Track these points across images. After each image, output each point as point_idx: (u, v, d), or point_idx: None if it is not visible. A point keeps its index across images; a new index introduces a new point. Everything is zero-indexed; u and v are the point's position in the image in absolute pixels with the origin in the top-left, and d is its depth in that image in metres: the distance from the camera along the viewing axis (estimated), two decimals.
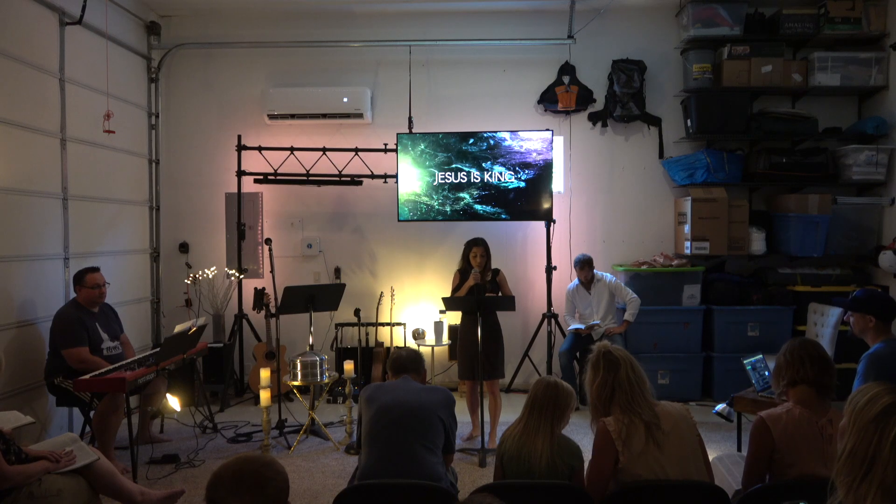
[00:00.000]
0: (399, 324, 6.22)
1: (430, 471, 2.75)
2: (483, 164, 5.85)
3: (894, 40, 5.59)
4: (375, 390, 2.98)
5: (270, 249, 5.28)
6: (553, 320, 5.97)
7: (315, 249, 6.37)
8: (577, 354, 5.52)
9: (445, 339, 6.03)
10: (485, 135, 5.87)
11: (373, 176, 6.05)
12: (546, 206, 5.85)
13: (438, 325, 6.01)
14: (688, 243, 5.80)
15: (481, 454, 4.33)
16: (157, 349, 4.54)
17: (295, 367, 4.71)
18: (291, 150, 5.96)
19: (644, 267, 5.88)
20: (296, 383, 4.75)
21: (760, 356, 3.92)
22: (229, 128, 6.28)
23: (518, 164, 5.84)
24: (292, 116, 6.11)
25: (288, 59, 6.37)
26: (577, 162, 6.29)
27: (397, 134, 5.93)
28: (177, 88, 6.41)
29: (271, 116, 6.12)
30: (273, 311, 5.40)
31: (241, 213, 6.08)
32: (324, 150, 5.99)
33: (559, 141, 6.19)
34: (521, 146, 5.84)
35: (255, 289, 5.67)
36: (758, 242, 5.85)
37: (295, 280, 5.89)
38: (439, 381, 6.17)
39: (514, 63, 6.30)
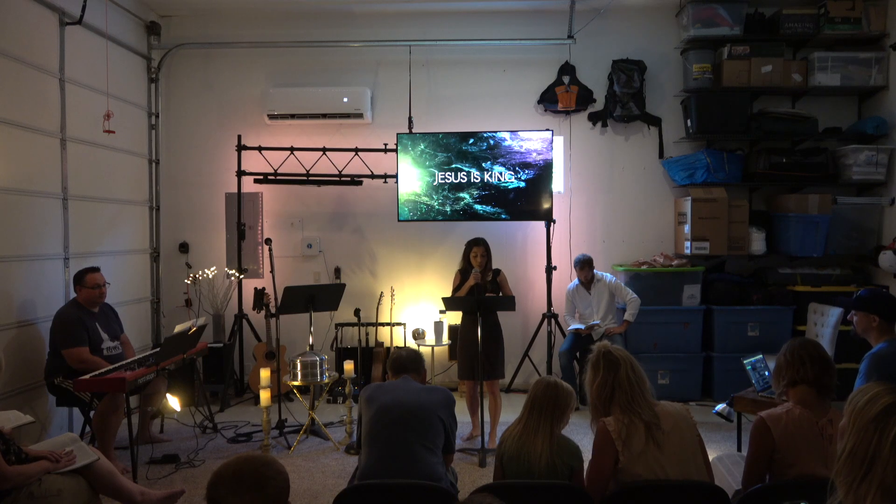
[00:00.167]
0: (399, 324, 6.22)
1: (430, 471, 2.75)
2: (483, 164, 5.85)
3: (894, 40, 5.59)
4: (375, 390, 2.98)
5: (270, 249, 5.28)
6: (553, 320, 5.97)
7: (315, 249, 6.38)
8: (577, 354, 5.52)
9: (445, 339, 6.03)
10: (485, 135, 5.87)
11: (373, 176, 6.05)
12: (546, 206, 5.85)
13: (438, 325, 6.01)
14: (688, 243, 5.80)
15: (481, 454, 4.33)
16: (157, 349, 4.54)
17: (295, 367, 4.71)
18: (291, 150, 5.96)
19: (644, 267, 5.88)
20: (296, 383, 4.75)
21: (760, 356, 3.92)
22: (229, 128, 6.28)
23: (518, 164, 5.84)
24: (292, 116, 6.11)
25: (288, 59, 6.37)
26: (577, 162, 6.29)
27: (397, 134, 5.93)
28: (177, 88, 6.42)
29: (271, 116, 6.12)
30: (273, 311, 5.40)
31: (241, 213, 6.08)
32: (324, 150, 5.99)
33: (559, 141, 6.19)
34: (521, 146, 5.84)
35: (255, 289, 5.67)
36: (758, 242, 5.85)
37: (295, 280, 5.89)
38: (439, 381, 6.17)
39: (514, 63, 6.30)
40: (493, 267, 4.86)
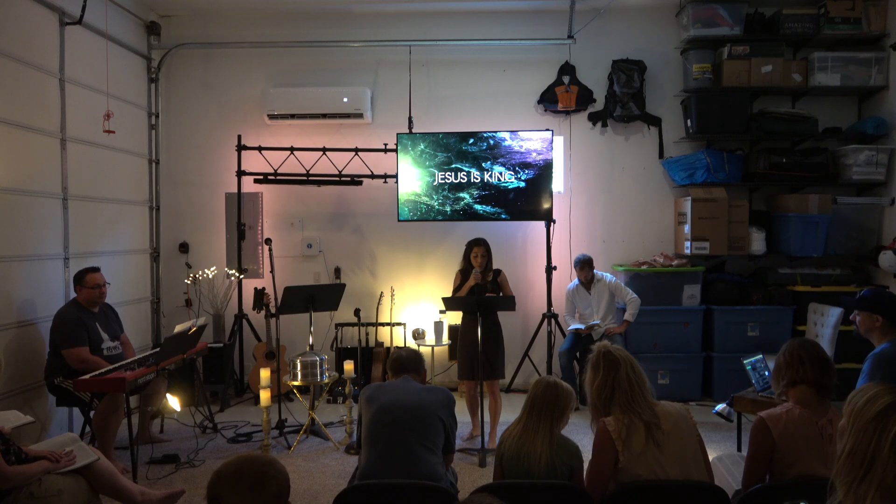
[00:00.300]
0: (399, 324, 6.22)
1: (430, 471, 2.75)
2: (483, 164, 5.85)
3: (894, 40, 5.59)
4: (375, 390, 2.98)
5: (270, 249, 5.28)
6: (553, 320, 5.97)
7: (315, 249, 6.38)
8: (577, 354, 5.52)
9: (445, 339, 6.03)
10: (485, 135, 5.87)
11: (373, 176, 6.05)
12: (546, 206, 5.85)
13: (438, 325, 6.01)
14: (688, 243, 5.80)
15: (481, 454, 4.33)
16: (157, 349, 4.55)
17: (295, 367, 4.71)
18: (291, 150, 5.96)
19: (644, 267, 5.88)
20: (296, 383, 4.75)
21: (760, 356, 3.92)
22: (229, 128, 6.28)
23: (518, 164, 5.84)
24: (292, 116, 6.11)
25: (288, 59, 6.37)
26: (577, 162, 6.29)
27: (397, 134, 5.93)
28: (177, 88, 6.42)
29: (271, 116, 6.12)
30: (273, 311, 5.40)
31: (241, 213, 6.09)
32: (324, 150, 5.99)
33: (559, 141, 6.19)
34: (521, 146, 5.84)
35: (255, 289, 5.67)
36: (758, 242, 5.85)
37: (295, 280, 5.89)
38: (439, 381, 6.17)
39: (514, 63, 6.30)
40: (494, 267, 4.86)
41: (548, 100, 6.20)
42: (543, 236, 6.02)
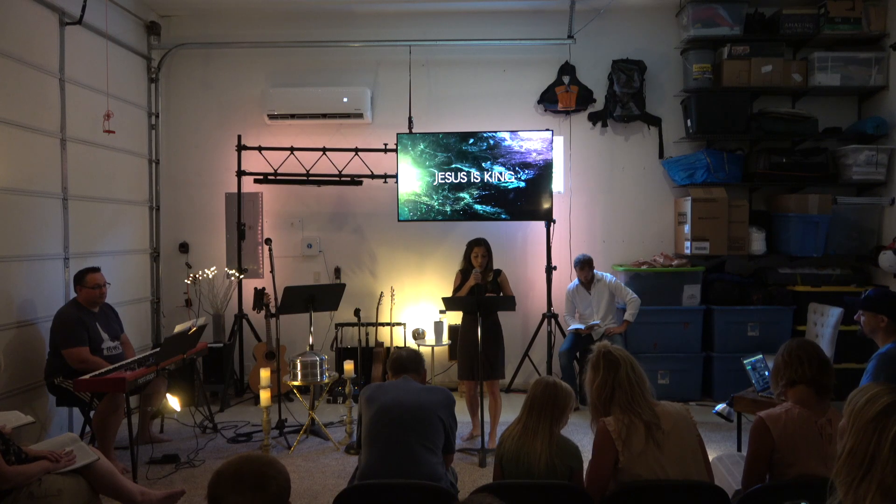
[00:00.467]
0: (399, 324, 6.22)
1: (430, 471, 2.75)
2: (483, 164, 5.85)
3: (894, 40, 5.59)
4: (375, 390, 2.98)
5: (270, 249, 5.28)
6: (553, 320, 5.97)
7: (315, 249, 6.38)
8: (577, 354, 5.52)
9: (445, 339, 6.03)
10: (485, 135, 5.87)
11: (373, 176, 6.05)
12: (546, 206, 5.85)
13: (438, 325, 6.01)
14: (688, 243, 5.80)
15: (481, 454, 4.33)
16: (157, 349, 4.55)
17: (295, 367, 4.71)
18: (291, 150, 5.96)
19: (644, 267, 5.88)
20: (296, 383, 4.75)
21: (760, 356, 3.92)
22: (229, 128, 6.28)
23: (518, 164, 5.84)
24: (292, 116, 6.11)
25: (288, 59, 6.37)
26: (577, 162, 6.29)
27: (397, 134, 5.93)
28: (177, 88, 6.42)
29: (271, 116, 6.12)
30: (273, 311, 5.40)
31: (241, 213, 6.09)
32: (324, 150, 5.99)
33: (559, 141, 6.19)
34: (521, 146, 5.84)
35: (255, 289, 5.67)
36: (758, 242, 5.85)
37: (295, 280, 5.89)
38: (439, 381, 6.17)
39: (514, 63, 6.30)
40: (494, 267, 4.86)
41: (548, 100, 6.20)
42: (543, 236, 6.02)
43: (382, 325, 6.23)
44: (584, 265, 5.61)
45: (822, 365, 2.52)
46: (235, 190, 6.09)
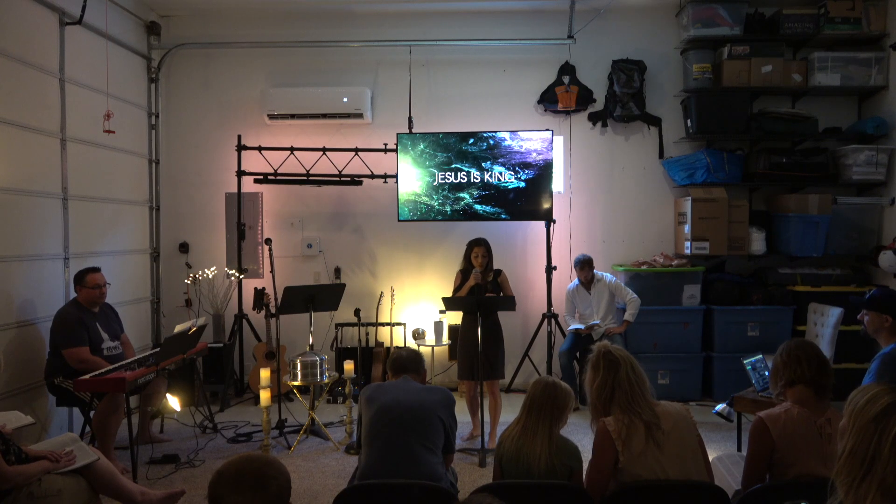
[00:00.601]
0: (399, 324, 6.22)
1: (430, 471, 2.75)
2: (483, 164, 5.85)
3: (894, 40, 5.59)
4: (375, 390, 2.98)
5: (270, 249, 5.28)
6: (553, 320, 5.97)
7: (315, 249, 6.38)
8: (577, 354, 5.53)
9: (445, 339, 6.03)
10: (485, 135, 5.87)
11: (373, 176, 6.05)
12: (546, 206, 5.85)
13: (438, 325, 6.01)
14: (688, 243, 5.80)
15: (481, 454, 4.33)
16: (157, 349, 4.55)
17: (295, 367, 4.71)
18: (291, 150, 5.96)
19: (644, 267, 5.88)
20: (296, 383, 4.75)
21: (760, 356, 3.92)
22: (229, 128, 6.28)
23: (518, 164, 5.84)
24: (292, 116, 6.11)
25: (288, 59, 6.37)
26: (577, 162, 6.29)
27: (397, 134, 5.93)
28: (177, 88, 6.42)
29: (271, 116, 6.12)
30: (273, 311, 5.39)
31: (241, 213, 6.09)
32: (324, 150, 5.99)
33: (559, 141, 6.19)
34: (521, 146, 5.84)
35: (255, 289, 5.67)
36: (758, 242, 5.85)
37: (295, 280, 5.89)
38: (439, 381, 6.17)
39: (514, 63, 6.30)
40: (494, 267, 4.86)
41: (548, 100, 6.20)
42: (543, 236, 6.02)
43: (382, 325, 6.22)
44: (584, 265, 5.61)
45: (821, 365, 2.52)
46: (235, 190, 6.09)
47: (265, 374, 4.51)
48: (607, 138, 6.30)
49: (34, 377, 4.41)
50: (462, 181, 5.88)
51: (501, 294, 4.79)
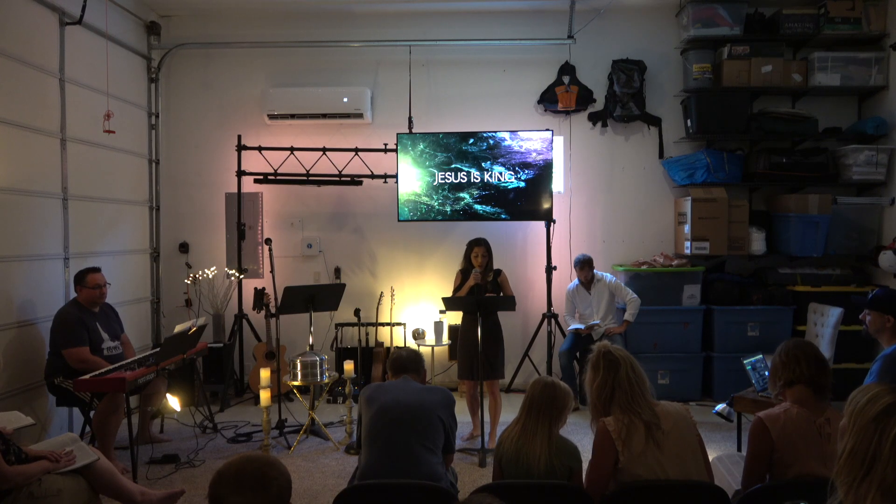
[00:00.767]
0: (399, 324, 6.22)
1: (430, 471, 2.75)
2: (483, 164, 5.85)
3: (894, 40, 5.59)
4: (375, 390, 2.98)
5: (270, 249, 5.28)
6: (553, 320, 5.97)
7: (315, 249, 6.38)
8: (577, 354, 5.53)
9: (445, 339, 6.03)
10: (485, 135, 5.87)
11: (373, 176, 6.05)
12: (546, 206, 5.85)
13: (438, 325, 6.01)
14: (688, 243, 5.80)
15: (481, 454, 4.33)
16: (157, 349, 4.54)
17: (295, 367, 4.71)
18: (291, 150, 5.96)
19: (644, 267, 5.88)
20: (296, 383, 4.75)
21: (760, 356, 3.92)
22: (229, 128, 6.28)
23: (518, 164, 5.84)
24: (292, 116, 6.11)
25: (288, 59, 6.37)
26: (577, 162, 6.29)
27: (397, 134, 5.93)
28: (177, 88, 6.42)
29: (271, 116, 6.12)
30: (273, 311, 5.39)
31: (241, 213, 6.09)
32: (324, 150, 5.99)
33: (559, 141, 6.19)
34: (521, 146, 5.84)
35: (255, 289, 5.67)
36: (758, 242, 5.85)
37: (295, 280, 5.89)
38: (439, 381, 6.17)
39: (514, 63, 6.30)
40: (494, 267, 4.86)
41: (548, 100, 6.20)
42: (543, 236, 6.02)
43: (382, 325, 6.22)
44: (584, 265, 5.61)
45: (820, 365, 2.52)
46: (235, 190, 6.09)
47: (265, 374, 4.51)
48: (607, 138, 6.30)
49: (34, 377, 4.41)
50: (462, 181, 5.88)
51: (501, 294, 4.79)
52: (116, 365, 4.17)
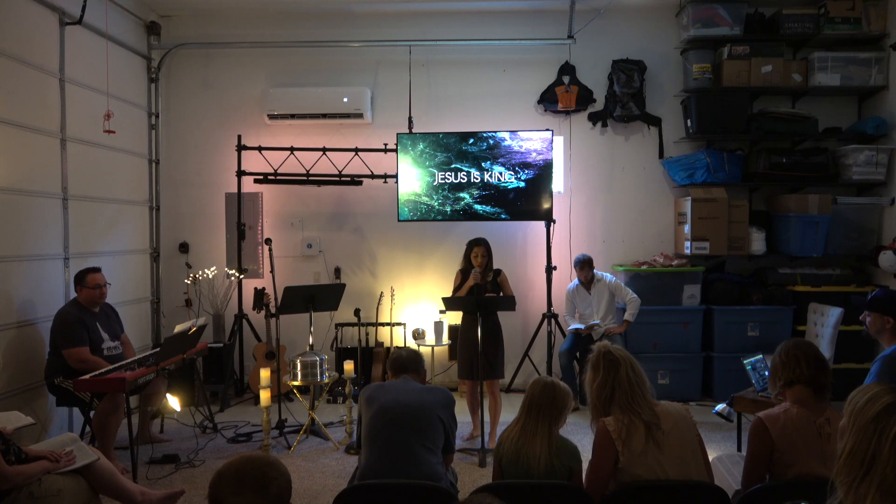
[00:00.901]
0: (399, 324, 6.22)
1: (430, 471, 2.75)
2: (483, 164, 5.85)
3: (894, 40, 5.59)
4: (375, 390, 2.98)
5: (270, 249, 5.28)
6: (553, 320, 5.97)
7: (315, 249, 6.38)
8: (577, 354, 5.53)
9: (445, 339, 6.03)
10: (485, 135, 5.87)
11: (373, 176, 6.05)
12: (546, 206, 5.85)
13: (438, 325, 6.01)
14: (688, 243, 5.80)
15: (481, 454, 4.33)
16: (157, 349, 4.55)
17: (295, 367, 4.71)
18: (291, 150, 5.96)
19: (644, 267, 5.88)
20: (296, 383, 4.75)
21: (760, 356, 3.92)
22: (229, 128, 6.28)
23: (518, 164, 5.84)
24: (292, 116, 6.11)
25: (288, 59, 6.37)
26: (577, 162, 6.29)
27: (397, 134, 5.93)
28: (177, 88, 6.42)
29: (271, 116, 6.12)
30: (273, 311, 5.39)
31: (241, 213, 6.09)
32: (324, 150, 5.99)
33: (559, 141, 6.19)
34: (521, 146, 5.84)
35: (255, 289, 5.67)
36: (758, 242, 5.85)
37: (295, 280, 5.89)
38: (439, 381, 6.17)
39: (514, 63, 6.30)
40: (494, 267, 4.86)
41: (548, 100, 6.20)
42: (543, 236, 6.02)
43: (382, 325, 6.23)
44: (584, 265, 5.61)
45: (820, 364, 2.52)
46: (235, 190, 6.09)
47: (265, 374, 4.51)
48: (607, 138, 6.30)
49: (34, 377, 4.41)
50: (462, 181, 5.88)
51: (501, 294, 4.79)
52: (116, 365, 4.17)
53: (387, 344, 6.23)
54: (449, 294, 4.91)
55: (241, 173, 6.02)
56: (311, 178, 6.00)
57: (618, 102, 6.13)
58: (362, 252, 6.40)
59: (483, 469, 4.21)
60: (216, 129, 6.36)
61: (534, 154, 5.84)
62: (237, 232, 6.02)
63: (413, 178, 5.90)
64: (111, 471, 3.12)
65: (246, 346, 6.14)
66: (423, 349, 5.75)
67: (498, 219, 5.90)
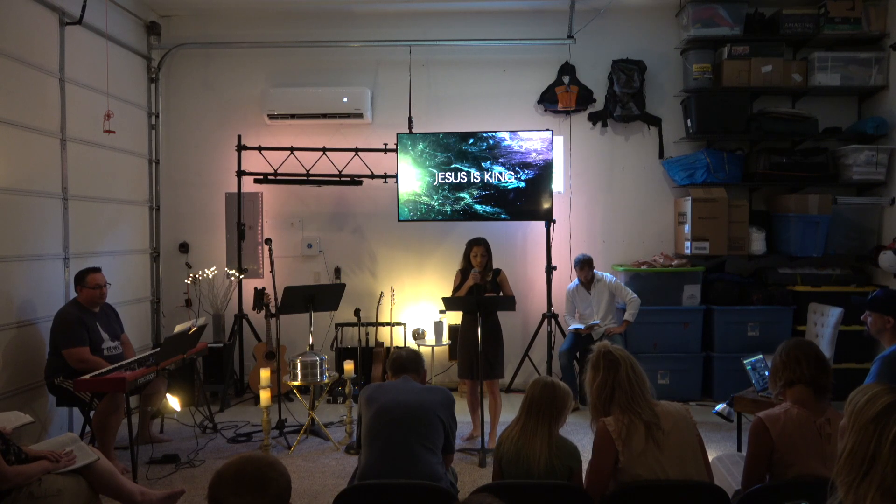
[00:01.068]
0: (399, 324, 6.22)
1: (430, 471, 2.75)
2: (483, 164, 5.85)
3: (894, 40, 5.59)
4: (375, 390, 2.98)
5: (270, 249, 5.28)
6: (553, 320, 5.97)
7: (315, 249, 6.38)
8: (577, 354, 5.53)
9: (445, 339, 6.03)
10: (485, 135, 5.87)
11: (373, 176, 6.05)
12: (546, 206, 5.85)
13: (438, 325, 6.01)
14: (688, 243, 5.80)
15: (481, 454, 4.33)
16: (157, 349, 4.55)
17: (295, 367, 4.71)
18: (291, 150, 5.96)
19: (644, 267, 5.88)
20: (296, 383, 4.75)
21: (760, 356, 3.92)
22: (229, 128, 6.28)
23: (518, 164, 5.84)
24: (292, 116, 6.11)
25: (288, 59, 6.37)
26: (577, 162, 6.29)
27: (397, 134, 5.93)
28: (177, 88, 6.42)
29: (271, 116, 6.12)
30: (273, 311, 5.39)
31: (241, 213, 6.09)
32: (324, 150, 5.99)
33: (559, 141, 6.19)
34: (521, 146, 5.84)
35: (255, 289, 5.67)
36: (758, 242, 5.85)
37: (295, 280, 5.89)
38: (439, 381, 6.17)
39: (514, 63, 6.30)
40: (494, 267, 4.86)
41: (548, 100, 6.20)
42: (543, 236, 6.02)
43: (382, 325, 6.22)
44: (584, 265, 5.61)
45: (820, 364, 2.51)
46: (235, 190, 6.09)
47: (265, 374, 4.51)
48: (607, 138, 6.30)
49: (34, 377, 4.41)
50: (462, 181, 5.88)
51: (501, 294, 4.78)
52: (116, 365, 4.17)
53: (387, 344, 6.23)
54: (449, 294, 4.91)
55: (241, 173, 6.02)
56: (311, 178, 6.00)
57: (618, 102, 6.13)
58: (362, 252, 6.40)
59: (483, 469, 4.21)
60: (216, 129, 6.36)
61: (534, 154, 5.84)
62: (237, 232, 6.02)
63: (413, 178, 5.90)
64: (111, 471, 3.12)
65: (246, 346, 6.14)
66: (423, 349, 5.75)
67: (498, 219, 5.90)
